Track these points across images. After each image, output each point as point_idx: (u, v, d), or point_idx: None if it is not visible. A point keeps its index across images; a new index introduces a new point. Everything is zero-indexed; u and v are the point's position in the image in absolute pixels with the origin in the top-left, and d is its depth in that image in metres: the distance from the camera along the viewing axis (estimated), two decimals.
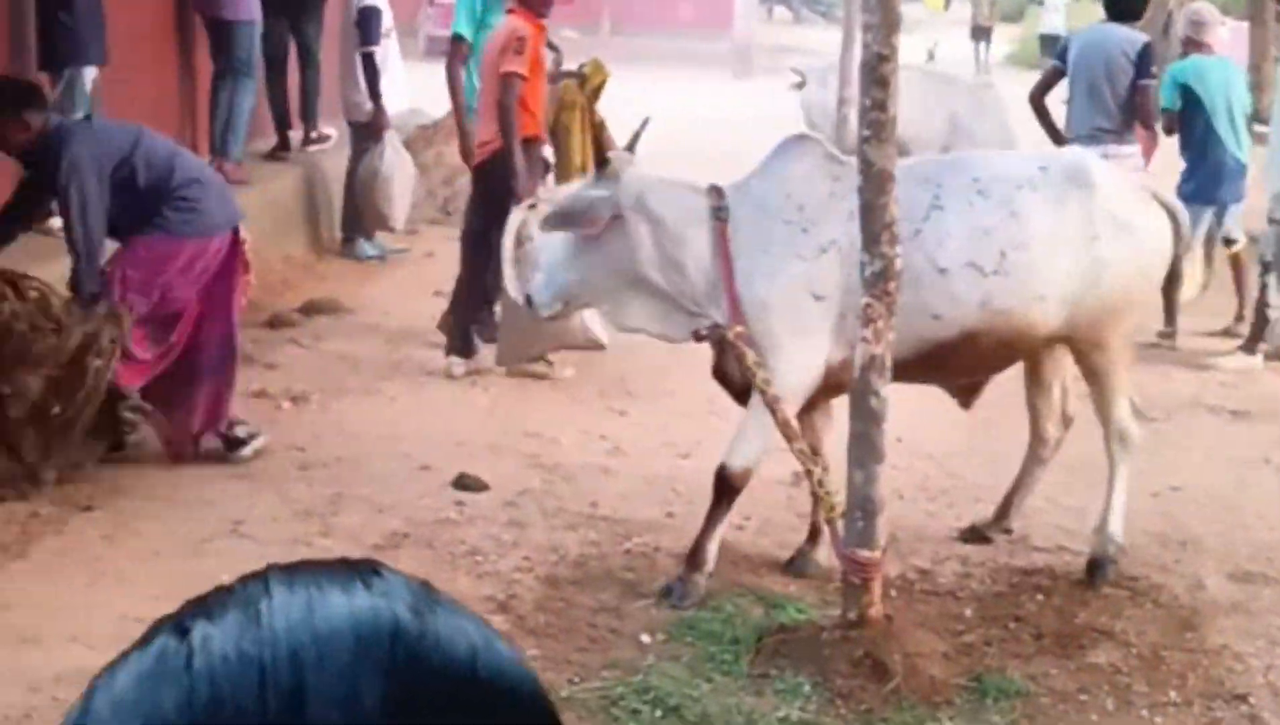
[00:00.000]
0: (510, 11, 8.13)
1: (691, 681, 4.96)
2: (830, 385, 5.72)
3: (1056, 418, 6.27)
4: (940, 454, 7.01)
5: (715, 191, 5.66)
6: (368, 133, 10.43)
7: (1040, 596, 5.78)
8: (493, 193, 8.06)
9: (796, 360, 5.59)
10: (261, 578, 0.73)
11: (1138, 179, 6.25)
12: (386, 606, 0.70)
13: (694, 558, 5.68)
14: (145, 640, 0.70)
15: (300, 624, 0.68)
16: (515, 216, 7.81)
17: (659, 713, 4.75)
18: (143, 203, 6.47)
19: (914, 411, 6.41)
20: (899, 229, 5.35)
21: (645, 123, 6.13)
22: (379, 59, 10.35)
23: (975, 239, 5.63)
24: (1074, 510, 6.77)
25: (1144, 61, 8.99)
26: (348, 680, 0.67)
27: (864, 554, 5.12)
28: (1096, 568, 5.94)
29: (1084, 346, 5.92)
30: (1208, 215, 9.45)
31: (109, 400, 6.40)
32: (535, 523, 6.26)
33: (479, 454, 7.00)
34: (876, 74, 5.03)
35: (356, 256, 10.80)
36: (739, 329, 5.52)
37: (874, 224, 5.08)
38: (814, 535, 5.92)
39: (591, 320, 7.70)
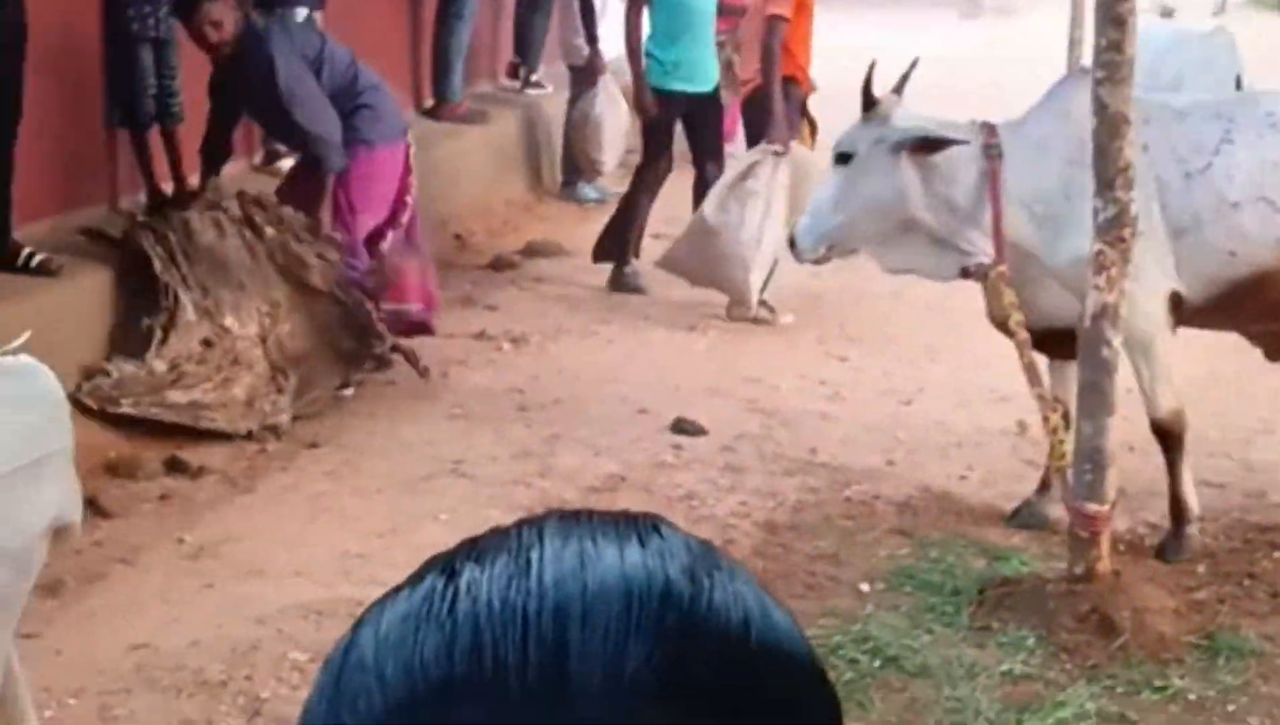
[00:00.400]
0: None
1: (911, 632, 4.88)
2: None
3: None
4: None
5: (988, 129, 5.49)
6: (584, 76, 10.43)
7: (1276, 554, 5.57)
8: (757, 134, 8.32)
9: (1135, 302, 5.38)
10: (538, 524, 0.70)
11: None
12: (660, 567, 0.67)
13: (1176, 511, 5.62)
14: (416, 578, 0.69)
15: (570, 577, 0.66)
16: (757, 154, 7.90)
17: (877, 662, 4.68)
18: (332, 104, 6.73)
19: None
20: (1191, 163, 5.34)
21: (914, 63, 6.00)
22: (597, 3, 10.33)
23: (1267, 172, 5.40)
24: None
25: None
26: (613, 640, 0.64)
27: (1092, 507, 4.98)
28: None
29: None
30: None
31: (358, 334, 6.62)
32: (753, 468, 6.21)
33: (696, 398, 6.97)
34: (1113, 13, 4.85)
35: (577, 199, 10.83)
36: (1002, 268, 5.42)
37: (1107, 168, 4.90)
38: (1044, 486, 5.77)
39: (756, 286, 7.98)
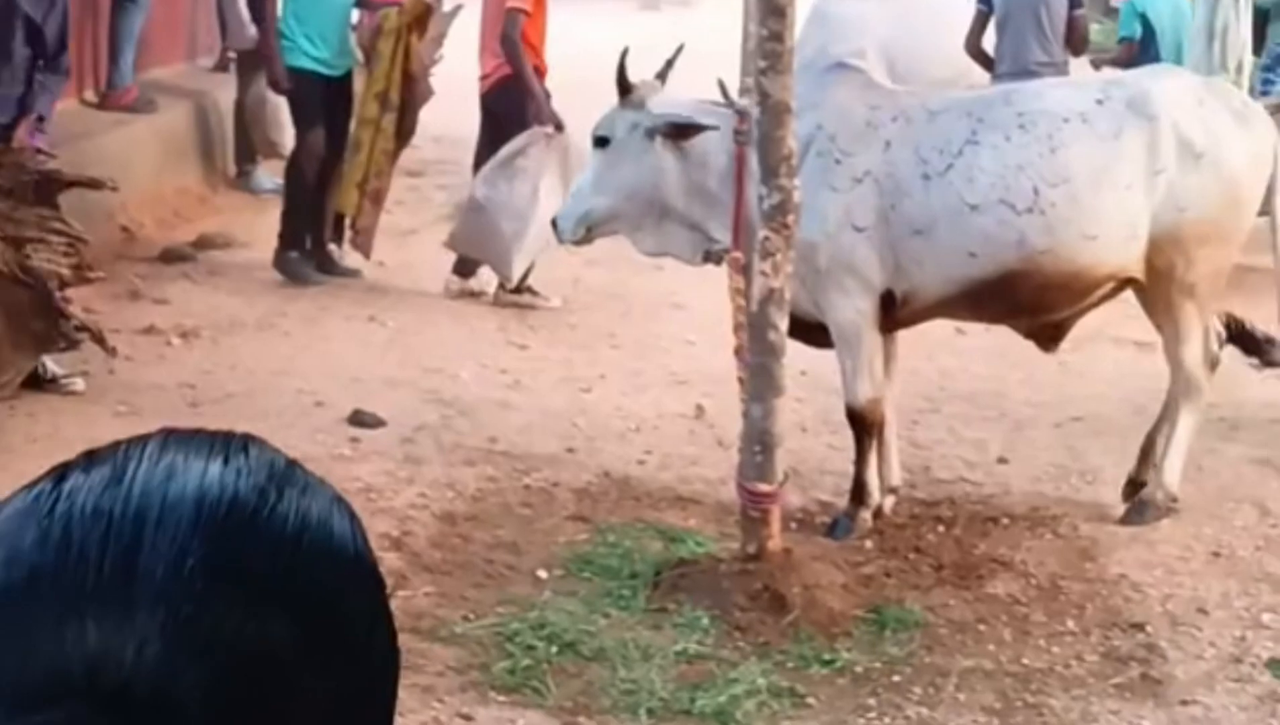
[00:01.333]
0: None
1: (588, 616, 4.90)
2: (899, 319, 5.74)
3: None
4: (841, 387, 6.95)
5: (740, 115, 5.49)
6: (254, 60, 10.16)
7: (940, 528, 5.77)
8: (501, 123, 8.33)
9: (849, 295, 5.54)
10: (144, 441, 0.79)
11: (1227, 97, 5.92)
12: (234, 481, 0.77)
13: (856, 493, 5.71)
14: (35, 482, 0.77)
15: (156, 487, 0.75)
16: (530, 136, 8.10)
17: (554, 648, 4.69)
18: None
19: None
20: (932, 163, 5.44)
21: (679, 50, 6.03)
22: None
23: (1008, 176, 5.48)
24: (974, 442, 6.77)
25: None
26: (179, 541, 0.73)
27: (762, 487, 5.08)
28: (1139, 509, 5.89)
29: (1164, 287, 5.67)
30: None
31: (44, 314, 6.32)
32: (432, 459, 6.16)
33: (375, 390, 6.89)
34: (773, 4, 4.94)
35: (252, 189, 10.58)
36: (736, 255, 5.47)
37: (772, 156, 5.00)
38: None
39: (520, 263, 8.00)
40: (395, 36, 8.49)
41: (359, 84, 8.81)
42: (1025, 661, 4.82)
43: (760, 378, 5.10)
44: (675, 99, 5.79)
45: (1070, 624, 5.07)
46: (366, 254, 8.71)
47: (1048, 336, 6.00)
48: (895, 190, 5.50)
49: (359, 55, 8.88)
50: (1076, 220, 5.46)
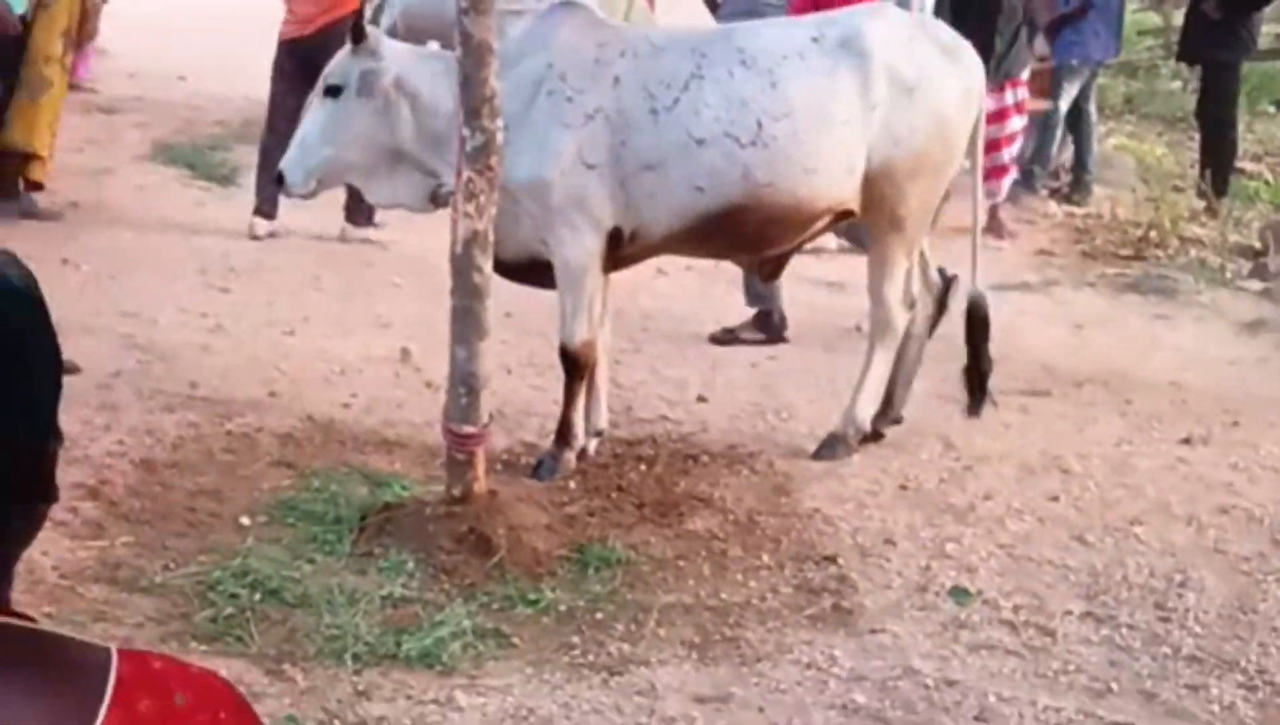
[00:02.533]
0: None
1: (292, 563, 4.88)
2: (622, 257, 5.75)
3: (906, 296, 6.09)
4: (549, 331, 7.00)
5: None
6: None
7: (643, 467, 5.89)
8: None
9: (578, 233, 5.55)
10: None
11: (936, 33, 6.03)
12: None
13: (561, 434, 5.74)
14: None
15: None
16: None
17: (258, 595, 4.66)
18: None
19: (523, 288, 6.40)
20: (660, 98, 5.47)
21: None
22: None
23: (732, 110, 5.55)
24: (675, 381, 6.92)
25: None
26: None
27: (467, 429, 5.11)
28: (830, 444, 6.05)
29: (875, 220, 5.84)
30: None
31: None
32: (130, 405, 6.03)
33: (69, 334, 6.52)
34: None
35: None
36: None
37: (474, 98, 5.01)
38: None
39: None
40: None
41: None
42: (723, 596, 4.97)
43: (465, 320, 5.12)
44: (403, 47, 5.75)
45: (766, 558, 5.24)
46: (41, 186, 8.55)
47: (769, 270, 6.17)
48: (625, 126, 5.56)
49: None
50: (797, 154, 5.59)
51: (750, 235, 5.76)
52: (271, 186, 7.03)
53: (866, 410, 6.08)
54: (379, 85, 5.60)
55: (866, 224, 5.94)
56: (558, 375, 6.84)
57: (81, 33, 8.33)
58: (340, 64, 5.70)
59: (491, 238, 5.12)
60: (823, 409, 6.64)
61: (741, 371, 7.15)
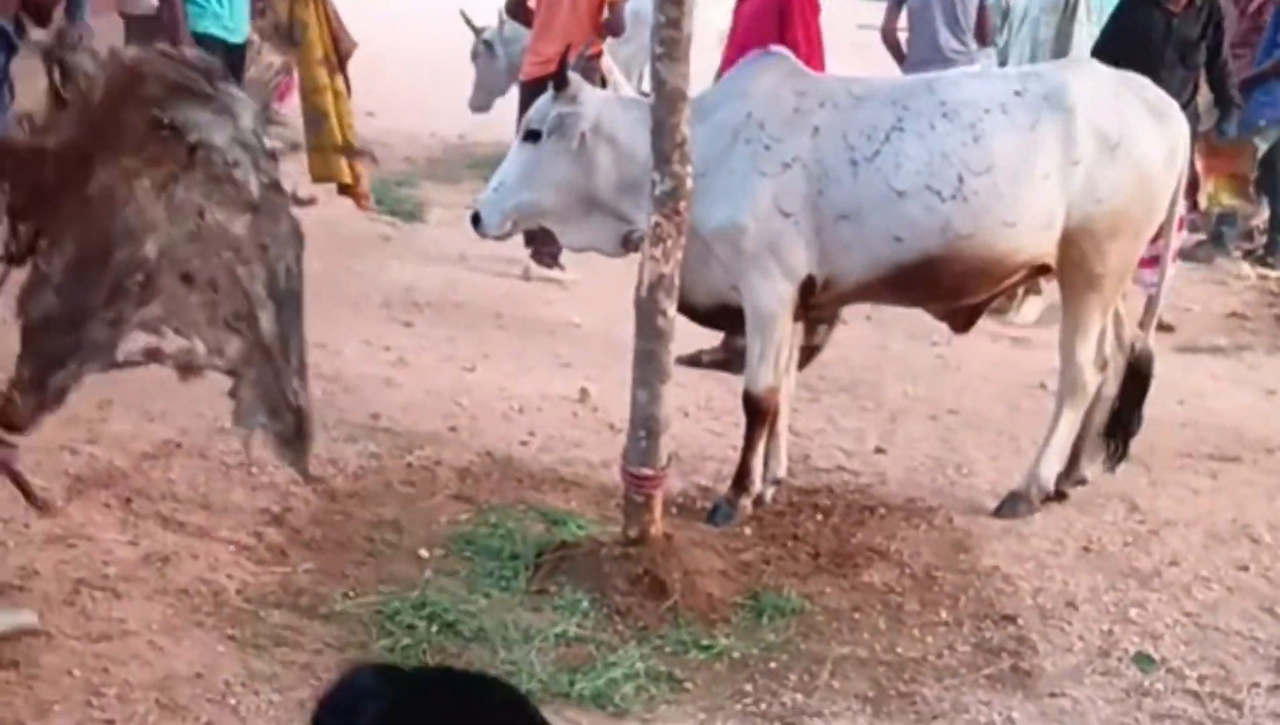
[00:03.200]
0: None
1: (469, 597, 4.91)
2: (814, 305, 5.72)
3: (1100, 356, 5.98)
4: (727, 375, 7.02)
5: None
6: (145, 24, 9.95)
7: (819, 516, 5.84)
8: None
9: (771, 279, 5.54)
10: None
11: (1141, 91, 5.89)
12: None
13: (739, 480, 5.71)
14: None
15: None
16: None
17: (434, 628, 4.69)
18: None
19: (703, 332, 6.40)
20: (860, 149, 5.46)
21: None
22: None
23: (934, 162, 5.52)
24: (853, 432, 6.87)
25: None
26: None
27: (645, 471, 5.11)
28: (1012, 502, 5.95)
29: (1071, 278, 5.76)
30: None
31: None
32: (314, 434, 6.10)
33: None
34: None
35: None
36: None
37: (665, 143, 5.02)
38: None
39: None
40: (311, 2, 8.36)
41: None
42: (899, 650, 4.90)
43: (647, 363, 5.12)
44: (603, 94, 5.79)
45: (943, 614, 5.16)
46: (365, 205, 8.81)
47: (963, 320, 6.07)
48: (823, 175, 5.52)
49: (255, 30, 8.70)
50: (998, 208, 5.52)
51: (946, 286, 5.70)
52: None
53: (1051, 469, 5.96)
54: (577, 130, 5.62)
55: (1063, 281, 5.84)
56: (735, 420, 6.83)
57: (339, 51, 8.42)
58: (540, 109, 5.73)
59: (677, 282, 5.12)
60: (1004, 465, 6.54)
61: (920, 424, 7.07)
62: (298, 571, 4.99)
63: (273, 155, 4.23)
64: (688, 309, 5.56)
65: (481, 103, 11.14)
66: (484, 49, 11.32)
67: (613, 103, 5.79)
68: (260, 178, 4.16)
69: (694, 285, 5.47)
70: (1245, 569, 5.68)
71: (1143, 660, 4.94)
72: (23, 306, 4.04)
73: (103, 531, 4.93)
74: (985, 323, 7.61)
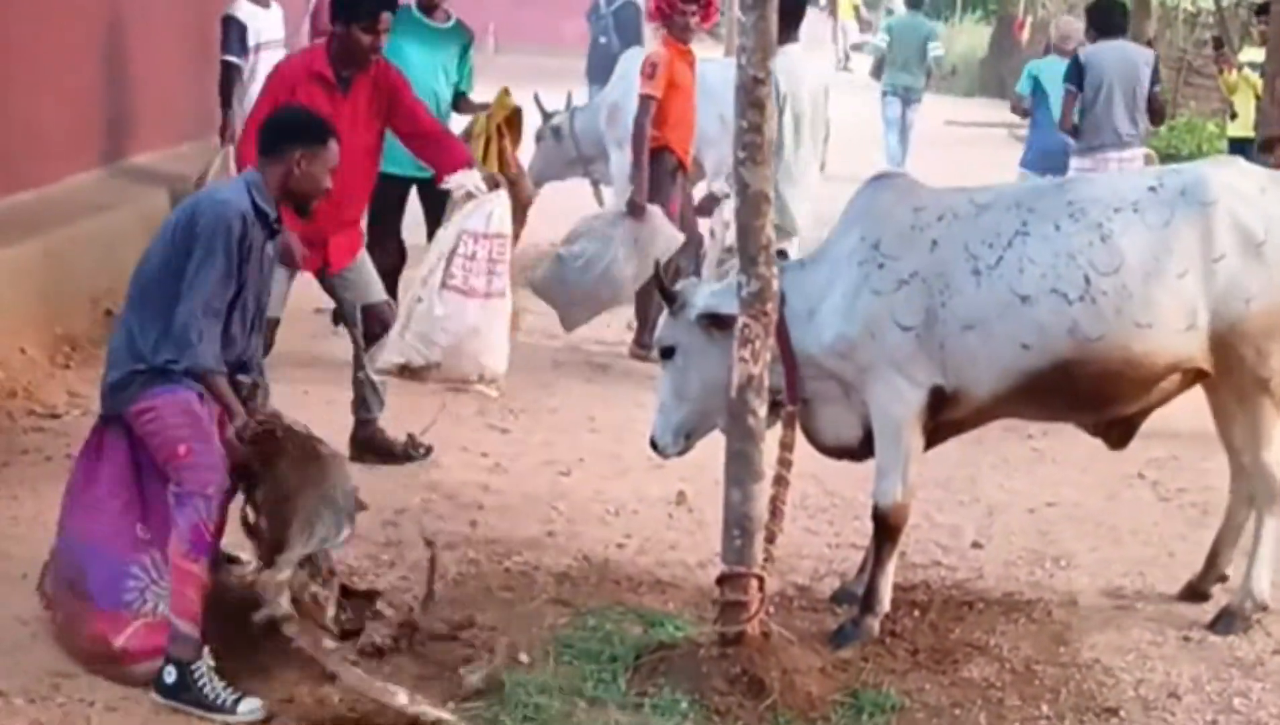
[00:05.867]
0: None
1: (568, 699, 4.95)
2: (950, 420, 5.70)
3: None
4: (820, 472, 7.03)
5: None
6: None
7: (916, 612, 5.83)
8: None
9: (894, 389, 5.53)
10: None
11: None
12: None
13: (869, 599, 5.62)
14: None
15: None
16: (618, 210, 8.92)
17: None
18: None
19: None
20: (982, 259, 5.45)
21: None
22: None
23: (1059, 264, 5.42)
24: (949, 526, 6.86)
25: (1155, 72, 10.50)
26: None
27: (741, 570, 5.14)
28: (1226, 619, 5.80)
29: (1239, 383, 5.59)
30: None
31: None
32: (414, 541, 6.20)
33: (355, 472, 6.89)
34: (752, 96, 5.04)
35: None
36: (790, 409, 5.59)
37: (750, 245, 5.10)
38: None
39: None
40: (485, 140, 7.87)
41: None
42: None
43: (739, 462, 5.16)
44: (709, 289, 5.80)
45: (1045, 708, 5.13)
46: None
47: (1116, 434, 5.90)
48: (945, 288, 5.47)
49: None
50: (1128, 308, 5.39)
51: (1086, 394, 5.55)
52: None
53: (1263, 582, 5.77)
54: (702, 334, 5.64)
55: (1231, 389, 5.66)
56: (830, 519, 6.89)
57: (517, 199, 7.56)
58: (666, 327, 5.83)
59: (766, 382, 5.16)
60: (1103, 557, 6.53)
61: (1018, 517, 7.05)
62: (403, 677, 5.03)
63: None
64: (820, 448, 5.84)
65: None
66: (551, 134, 11.47)
67: (710, 292, 5.74)
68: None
69: (818, 426, 5.72)
70: None
71: None
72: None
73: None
74: None
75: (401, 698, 4.71)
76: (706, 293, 5.77)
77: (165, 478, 4.94)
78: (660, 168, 9.03)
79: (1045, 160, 10.99)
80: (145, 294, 5.05)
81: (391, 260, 8.41)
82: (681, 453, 5.99)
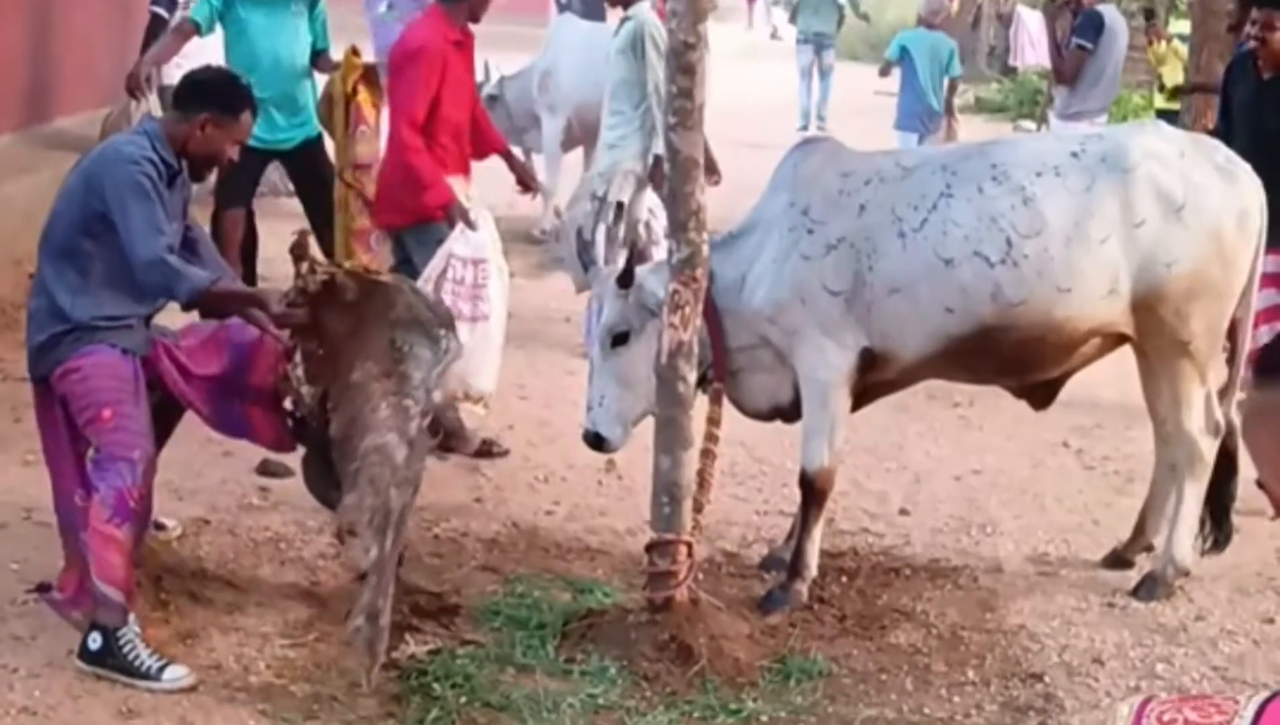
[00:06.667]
0: None
1: (497, 667, 4.94)
2: (878, 382, 5.70)
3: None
4: (748, 439, 7.06)
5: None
6: None
7: (844, 578, 5.86)
8: None
9: (823, 353, 5.51)
10: None
11: (1210, 152, 5.70)
12: None
13: (796, 564, 5.60)
14: None
15: None
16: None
17: (463, 698, 4.72)
18: None
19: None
20: (907, 222, 5.44)
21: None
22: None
23: (981, 227, 5.42)
24: (876, 493, 6.90)
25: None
26: None
27: (669, 537, 5.14)
28: (1148, 585, 5.81)
29: (1158, 346, 5.61)
30: (913, 139, 12.49)
31: None
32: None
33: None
34: (682, 61, 5.03)
35: None
36: (718, 386, 5.59)
37: (680, 211, 5.09)
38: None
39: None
40: (344, 102, 7.70)
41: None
42: (927, 711, 4.91)
43: (668, 430, 5.16)
44: (653, 270, 5.65)
45: (970, 674, 5.17)
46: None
47: (1040, 395, 5.95)
48: (873, 252, 5.46)
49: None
50: (1049, 272, 5.40)
51: (1009, 357, 5.57)
52: None
53: (1184, 548, 5.80)
54: (651, 317, 5.49)
55: (1151, 352, 5.68)
56: (758, 486, 6.90)
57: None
58: (619, 311, 5.60)
59: (696, 349, 5.17)
60: (1028, 524, 6.57)
61: (945, 484, 7.10)
62: (327, 645, 5.02)
63: (429, 411, 4.96)
64: (752, 415, 5.82)
65: None
66: (486, 102, 11.35)
67: (660, 268, 5.52)
68: (421, 421, 4.85)
69: (751, 393, 5.71)
70: (1271, 622, 5.69)
71: None
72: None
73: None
74: None
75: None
76: (653, 275, 5.62)
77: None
78: None
79: (912, 121, 12.63)
80: (60, 253, 4.95)
81: (240, 234, 8.11)
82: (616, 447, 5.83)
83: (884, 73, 13.94)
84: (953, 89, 13.28)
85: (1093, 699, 5.04)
